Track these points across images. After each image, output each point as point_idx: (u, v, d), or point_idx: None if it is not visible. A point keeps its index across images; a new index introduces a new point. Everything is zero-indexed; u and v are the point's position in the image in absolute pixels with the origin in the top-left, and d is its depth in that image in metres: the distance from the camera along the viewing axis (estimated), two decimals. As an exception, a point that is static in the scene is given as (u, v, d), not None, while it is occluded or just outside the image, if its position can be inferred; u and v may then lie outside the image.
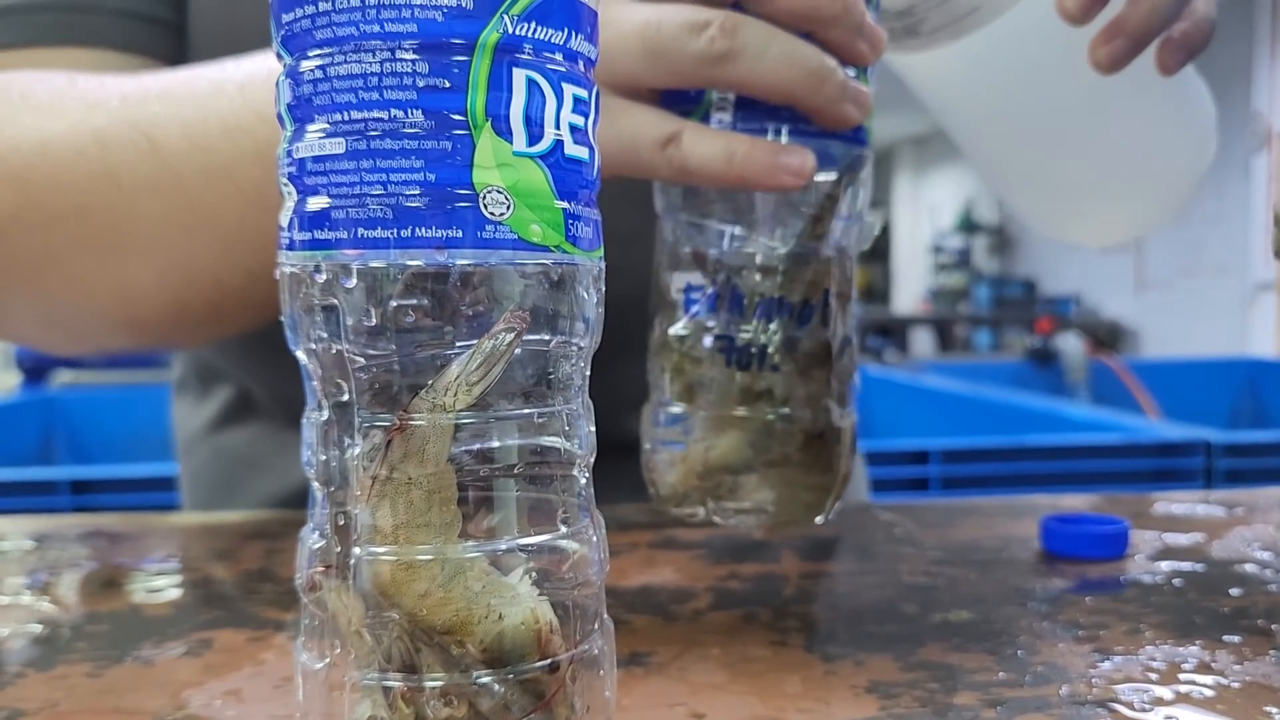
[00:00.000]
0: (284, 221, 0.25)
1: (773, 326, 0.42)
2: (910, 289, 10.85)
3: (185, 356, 0.74)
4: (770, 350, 0.42)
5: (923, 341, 7.38)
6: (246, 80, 0.46)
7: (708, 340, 0.43)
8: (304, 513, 0.27)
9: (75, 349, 0.58)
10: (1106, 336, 5.97)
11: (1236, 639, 0.37)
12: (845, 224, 0.43)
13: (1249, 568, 0.46)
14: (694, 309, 0.43)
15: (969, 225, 9.49)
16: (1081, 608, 0.41)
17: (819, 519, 0.45)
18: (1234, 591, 0.42)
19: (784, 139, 0.40)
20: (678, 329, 0.43)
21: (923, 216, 10.73)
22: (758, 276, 0.42)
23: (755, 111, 0.40)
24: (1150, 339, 6.71)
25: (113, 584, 0.47)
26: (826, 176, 0.41)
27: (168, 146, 0.45)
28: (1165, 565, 0.47)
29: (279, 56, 0.25)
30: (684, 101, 0.40)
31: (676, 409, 0.44)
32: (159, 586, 0.47)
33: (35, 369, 3.70)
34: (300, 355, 0.26)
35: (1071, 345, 3.39)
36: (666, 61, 0.38)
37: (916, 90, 0.53)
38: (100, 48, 0.55)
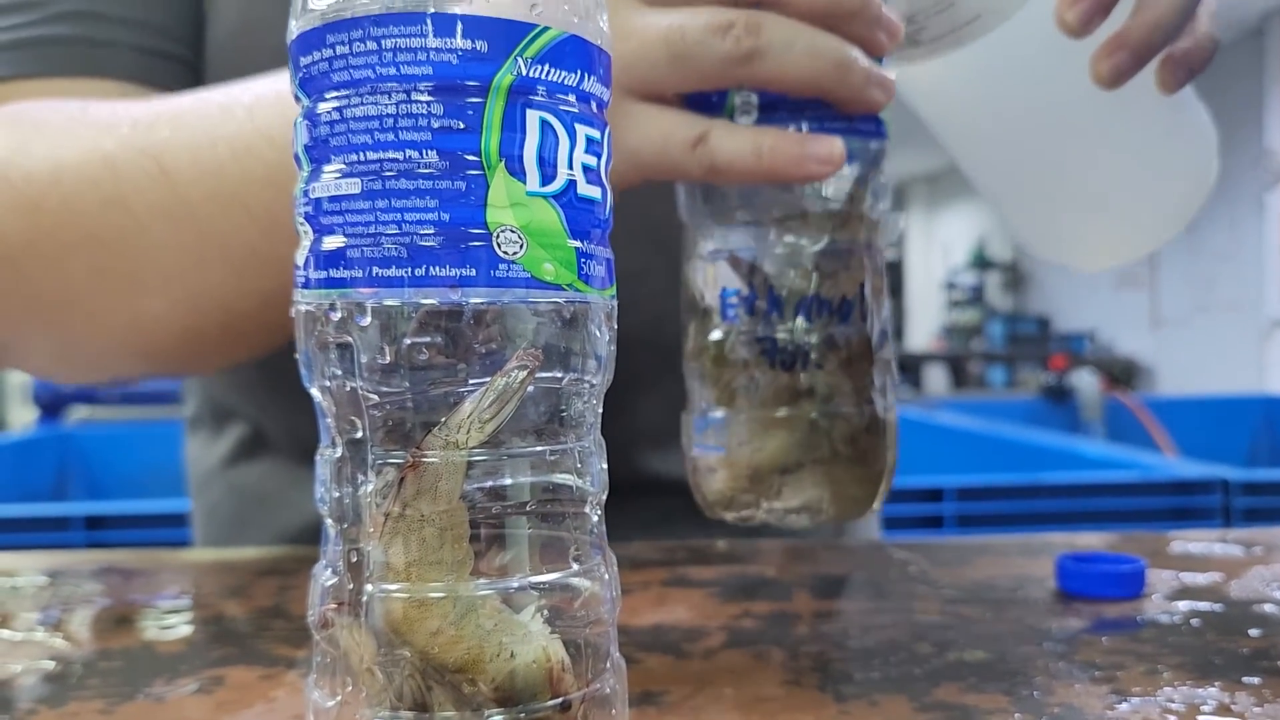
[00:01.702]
0: (300, 260, 0.25)
1: (812, 325, 0.42)
2: (923, 326, 10.84)
3: (198, 393, 0.75)
4: (812, 349, 0.42)
5: (936, 378, 7.36)
6: (255, 103, 0.46)
7: (748, 343, 0.43)
8: (317, 549, 0.27)
9: (88, 379, 0.58)
10: (1121, 373, 5.95)
11: (1256, 680, 0.36)
12: (873, 217, 0.43)
13: (1268, 608, 0.46)
14: (731, 313, 0.43)
15: (982, 262, 9.49)
16: (1098, 648, 0.40)
17: (868, 513, 0.45)
18: (1253, 632, 0.42)
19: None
20: (716, 334, 0.44)
21: (935, 253, 10.74)
22: (793, 276, 0.42)
23: (780, 111, 0.40)
24: (1166, 376, 6.68)
25: (125, 621, 0.47)
26: (851, 171, 0.42)
27: (178, 172, 0.46)
28: (1183, 605, 0.46)
29: (297, 99, 0.25)
30: (707, 107, 0.41)
31: (718, 414, 0.44)
32: (171, 623, 0.47)
33: (52, 405, 3.72)
34: (314, 392, 0.26)
35: (1086, 382, 3.37)
36: (693, 65, 0.39)
37: (916, 105, 0.53)
38: (119, 79, 0.56)
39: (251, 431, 0.71)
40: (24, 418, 4.27)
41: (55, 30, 0.56)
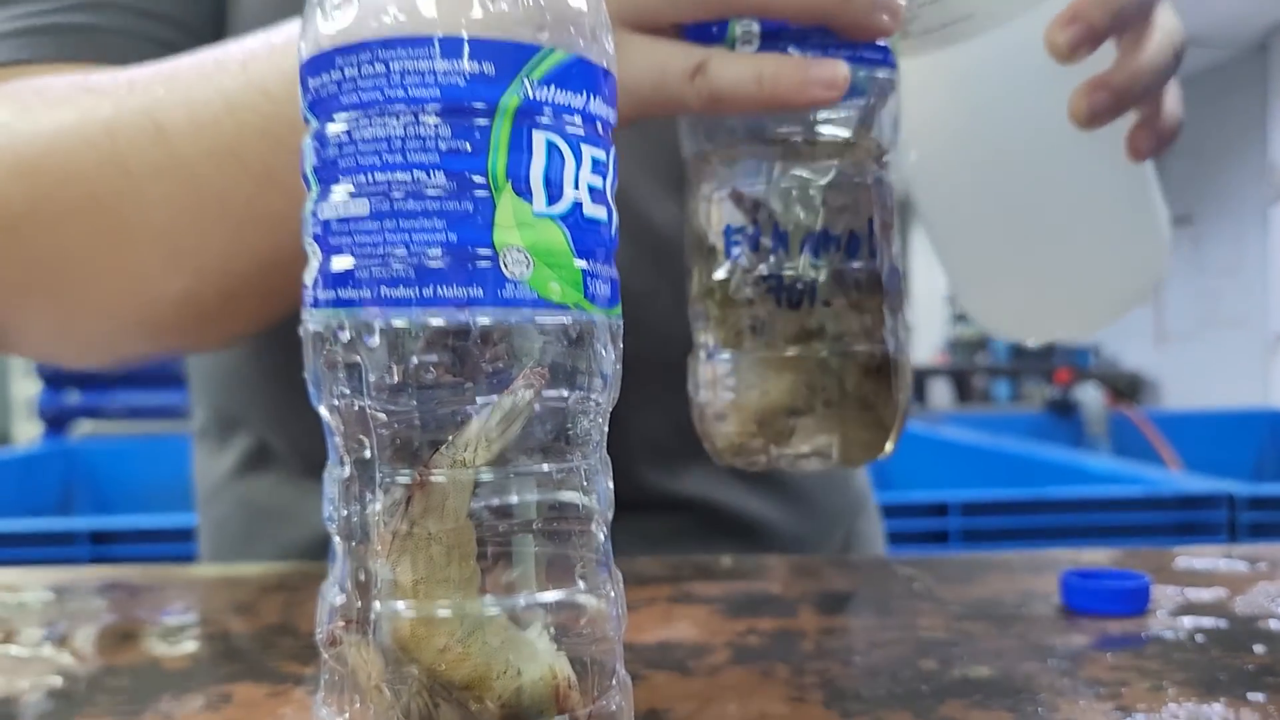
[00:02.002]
0: (308, 280, 0.25)
1: (820, 261, 0.41)
2: (927, 340, 10.83)
3: (205, 403, 0.75)
4: (819, 285, 0.41)
5: (940, 392, 7.35)
6: (249, 57, 0.46)
7: (754, 281, 0.41)
8: (324, 564, 0.27)
9: (93, 358, 0.58)
10: (1126, 388, 5.94)
11: (1261, 697, 0.36)
12: (882, 149, 0.42)
13: (1273, 624, 0.45)
14: (735, 251, 0.42)
15: (986, 276, 9.47)
16: (1103, 664, 0.41)
17: (880, 456, 0.44)
18: (1258, 648, 0.42)
19: None
20: (720, 273, 0.42)
21: (939, 267, 10.73)
22: (800, 211, 0.41)
23: (782, 41, 0.39)
24: (1170, 390, 6.67)
25: (131, 637, 0.47)
26: (858, 101, 0.41)
27: (174, 129, 0.46)
28: (1188, 621, 0.46)
29: (305, 120, 0.26)
30: (707, 39, 0.40)
31: (724, 355, 0.43)
32: (178, 640, 0.47)
33: (57, 419, 3.74)
34: (322, 411, 0.26)
35: (1091, 397, 3.37)
36: None
37: None
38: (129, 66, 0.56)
39: (258, 443, 0.71)
40: (29, 432, 4.28)
41: (73, 18, 0.56)
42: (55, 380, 3.80)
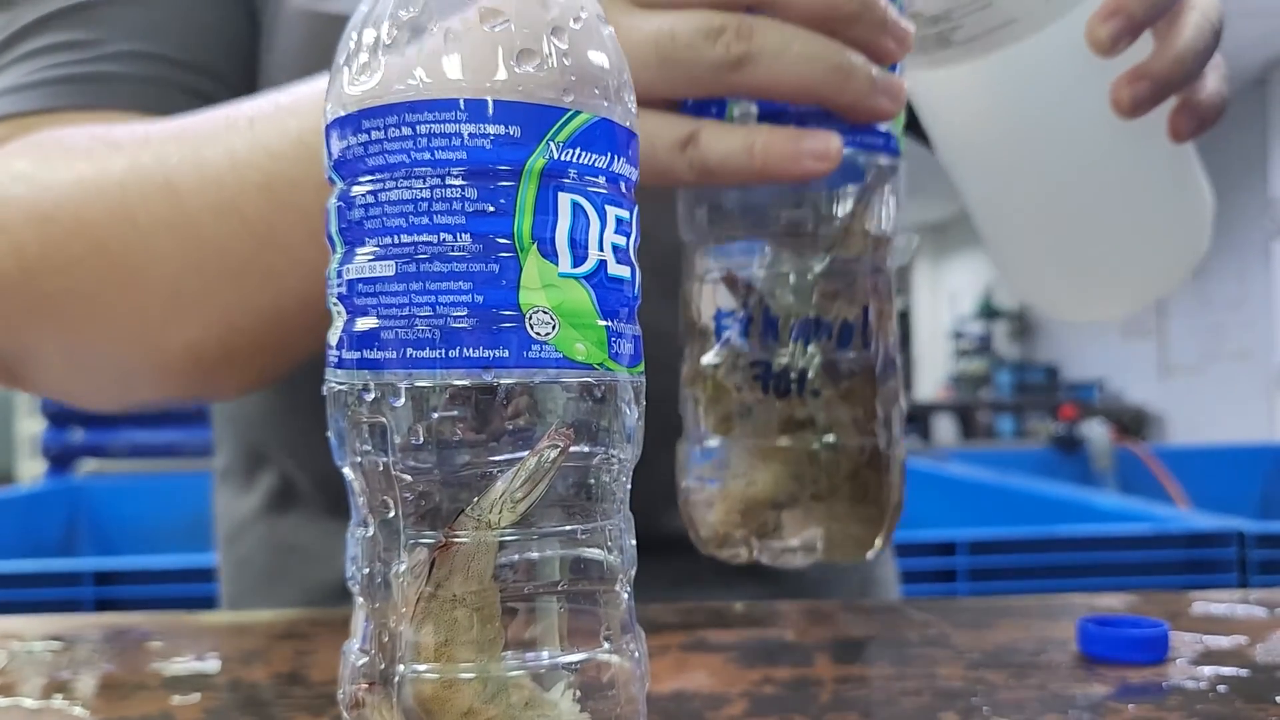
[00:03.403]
0: (332, 340, 0.25)
1: (811, 349, 0.40)
2: (931, 375, 10.83)
3: (231, 442, 0.75)
4: (810, 374, 0.40)
5: (945, 428, 7.34)
6: (257, 115, 0.47)
7: (743, 367, 0.41)
8: (333, 611, 0.27)
9: (105, 399, 0.58)
10: (1131, 423, 5.92)
11: (1286, 751, 0.36)
12: (880, 237, 0.42)
13: (1294, 673, 0.45)
14: (726, 335, 0.41)
15: (989, 311, 9.50)
16: (1125, 716, 0.40)
17: (870, 554, 0.43)
18: (1280, 699, 0.42)
19: None
20: (710, 358, 0.42)
21: (942, 303, 10.76)
22: (791, 297, 0.40)
23: (781, 122, 0.39)
24: (1175, 425, 6.66)
25: (143, 687, 0.47)
26: (856, 185, 0.40)
27: (182, 184, 0.47)
28: (1208, 670, 0.46)
29: (331, 181, 0.26)
30: (705, 117, 0.39)
31: (713, 443, 0.42)
32: (190, 689, 0.47)
33: (61, 457, 3.73)
34: (346, 471, 0.26)
35: (1097, 433, 3.36)
36: (683, 70, 0.38)
37: (932, 117, 0.52)
38: (159, 115, 0.57)
39: (284, 482, 0.71)
40: (33, 470, 4.27)
41: (106, 67, 0.57)
42: (59, 418, 3.79)
